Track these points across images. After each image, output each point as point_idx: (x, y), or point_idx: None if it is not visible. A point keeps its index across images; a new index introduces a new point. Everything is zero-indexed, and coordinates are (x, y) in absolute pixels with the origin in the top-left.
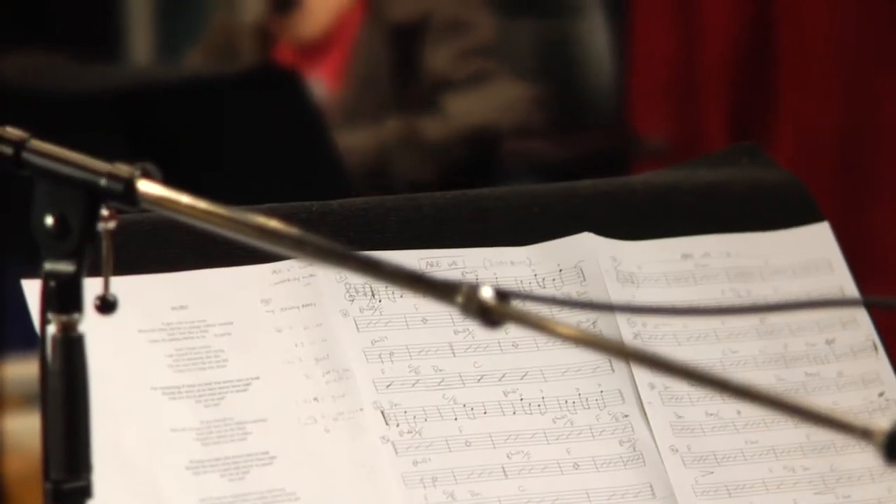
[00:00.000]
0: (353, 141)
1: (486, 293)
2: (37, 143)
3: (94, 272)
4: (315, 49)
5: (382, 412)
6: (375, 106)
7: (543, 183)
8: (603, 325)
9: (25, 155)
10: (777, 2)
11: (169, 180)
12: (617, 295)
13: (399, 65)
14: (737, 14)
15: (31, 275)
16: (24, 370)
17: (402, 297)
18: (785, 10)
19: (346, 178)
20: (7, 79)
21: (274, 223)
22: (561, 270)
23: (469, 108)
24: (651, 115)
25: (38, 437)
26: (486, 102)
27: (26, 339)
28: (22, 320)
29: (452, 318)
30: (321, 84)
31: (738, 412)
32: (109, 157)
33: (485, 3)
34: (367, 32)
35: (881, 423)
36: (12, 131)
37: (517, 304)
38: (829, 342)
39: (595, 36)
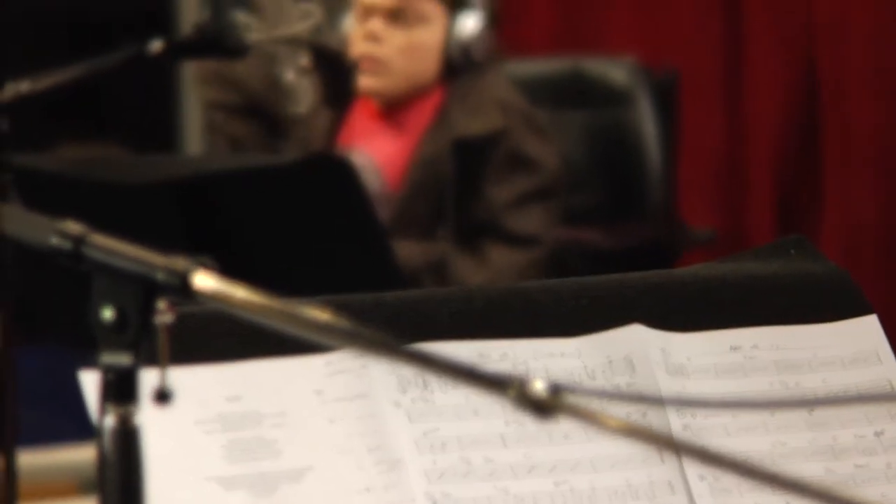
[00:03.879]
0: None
1: (538, 387)
2: (95, 238)
3: (150, 362)
4: (393, 112)
5: (434, 503)
6: (426, 217)
7: (592, 273)
8: (653, 416)
9: (84, 250)
10: (822, 94)
11: (223, 267)
12: (667, 387)
13: (459, 179)
14: (783, 107)
15: (43, 362)
16: (38, 460)
17: (453, 387)
18: (830, 102)
19: (397, 269)
20: (66, 169)
21: (327, 317)
22: (611, 362)
23: (507, 263)
24: (699, 206)
25: None
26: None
27: (43, 430)
28: (41, 409)
29: (504, 409)
30: (379, 173)
31: None
32: (164, 243)
33: (552, 129)
34: (433, 135)
35: None
36: (72, 226)
37: (568, 397)
38: (877, 434)
39: (644, 127)
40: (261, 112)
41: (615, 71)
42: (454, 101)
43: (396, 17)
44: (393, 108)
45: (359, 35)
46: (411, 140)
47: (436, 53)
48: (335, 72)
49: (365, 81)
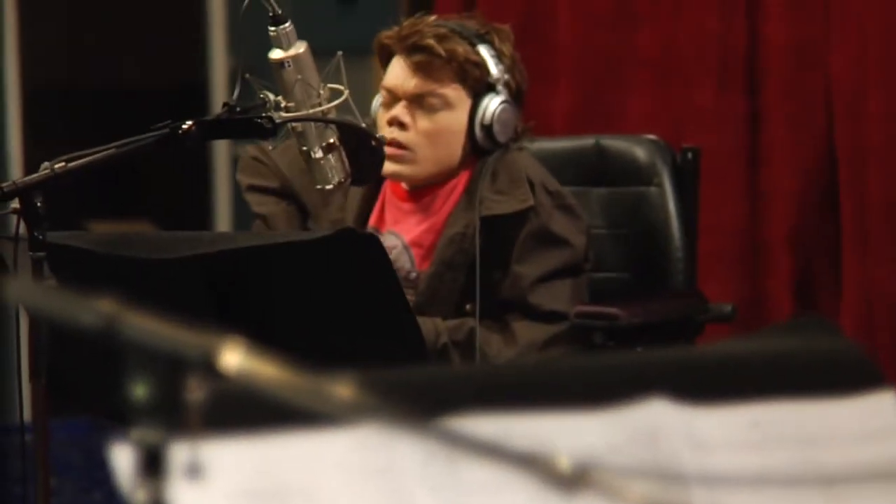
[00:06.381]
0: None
1: (562, 463)
2: (128, 317)
3: (181, 437)
4: (423, 194)
5: None
6: (453, 294)
7: (614, 348)
8: (675, 492)
9: (117, 329)
10: (840, 172)
11: (251, 339)
12: (688, 462)
13: (486, 257)
14: (801, 184)
15: (75, 436)
16: None
17: (478, 463)
18: (848, 179)
19: (423, 345)
20: (97, 246)
21: (353, 393)
22: (633, 438)
23: (532, 338)
24: (719, 282)
25: None
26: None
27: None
28: (72, 482)
29: (528, 485)
30: (409, 253)
31: None
32: (193, 317)
33: (590, 211)
34: (461, 213)
35: None
36: (106, 305)
37: (592, 473)
38: None
39: (665, 203)
40: (294, 194)
41: (636, 148)
42: (481, 179)
43: (419, 102)
44: (422, 191)
45: (384, 121)
46: (440, 220)
47: (461, 137)
48: (362, 149)
49: (391, 168)
